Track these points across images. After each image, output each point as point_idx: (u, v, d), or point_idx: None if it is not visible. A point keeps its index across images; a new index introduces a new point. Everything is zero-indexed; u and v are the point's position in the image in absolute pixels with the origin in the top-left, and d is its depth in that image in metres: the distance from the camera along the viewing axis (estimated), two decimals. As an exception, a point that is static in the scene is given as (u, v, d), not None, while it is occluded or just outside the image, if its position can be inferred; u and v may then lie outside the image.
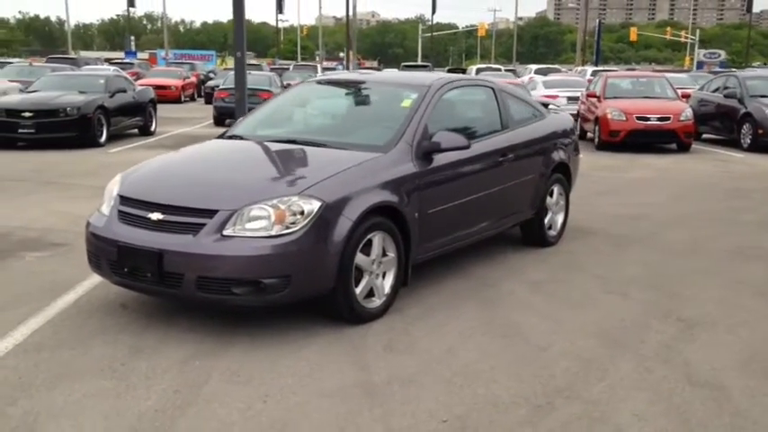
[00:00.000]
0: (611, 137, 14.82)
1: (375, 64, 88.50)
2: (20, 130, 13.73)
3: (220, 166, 5.06)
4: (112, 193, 4.78)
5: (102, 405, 3.52)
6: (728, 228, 7.87)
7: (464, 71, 38.18)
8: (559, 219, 6.98)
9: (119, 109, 15.31)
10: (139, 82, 26.41)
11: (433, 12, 54.72)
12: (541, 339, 4.53)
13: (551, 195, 6.78)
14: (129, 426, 3.33)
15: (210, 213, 4.28)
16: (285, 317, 4.69)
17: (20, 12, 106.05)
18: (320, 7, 77.03)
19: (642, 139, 14.77)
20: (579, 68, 42.09)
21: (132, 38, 67.85)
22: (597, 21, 72.68)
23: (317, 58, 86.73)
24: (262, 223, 4.24)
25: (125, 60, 38.33)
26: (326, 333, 4.51)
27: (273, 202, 4.30)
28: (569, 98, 19.92)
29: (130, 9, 62.58)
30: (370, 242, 4.66)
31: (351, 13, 51.92)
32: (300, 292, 4.35)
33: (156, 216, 4.38)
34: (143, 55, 75.51)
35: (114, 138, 15.16)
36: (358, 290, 4.60)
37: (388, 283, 4.87)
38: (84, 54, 71.77)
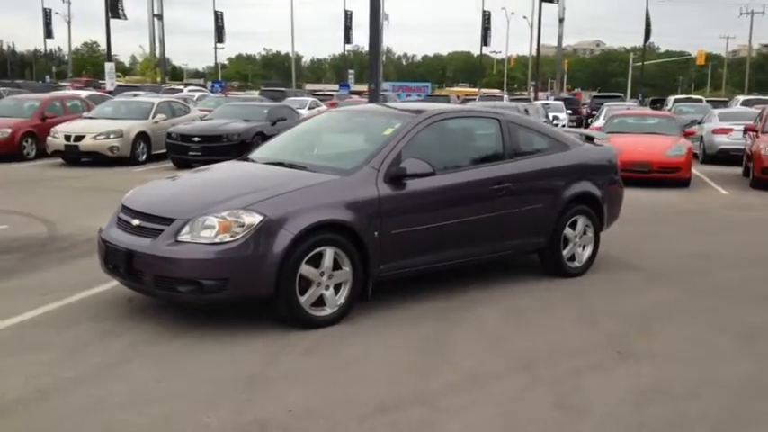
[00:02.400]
0: (764, 174, 13.82)
1: (594, 94, 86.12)
2: (189, 153, 15.66)
3: (206, 182, 5.85)
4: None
5: (30, 371, 4.36)
6: (797, 273, 7.33)
7: (662, 102, 36.51)
8: (584, 251, 6.98)
9: (279, 136, 16.84)
10: (332, 112, 28.41)
11: (646, 39, 52.95)
12: (455, 357, 4.79)
13: (573, 227, 6.82)
14: (36, 387, 4.14)
15: (169, 221, 5.06)
16: (249, 319, 5.30)
17: (264, 49, 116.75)
18: (531, 38, 76.44)
19: (799, 178, 13.61)
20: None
21: (352, 71, 72.24)
22: None
23: (533, 89, 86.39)
24: (209, 232, 4.94)
25: (325, 92, 41.06)
26: (271, 334, 5.08)
27: (223, 214, 4.98)
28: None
29: (353, 45, 66.50)
30: (321, 255, 5.18)
31: (562, 44, 51.49)
32: (239, 295, 4.99)
33: (135, 222, 5.25)
34: (362, 87, 79.73)
35: (275, 162, 16.69)
36: (303, 298, 5.13)
37: (343, 295, 5.34)
38: (308, 87, 77.46)
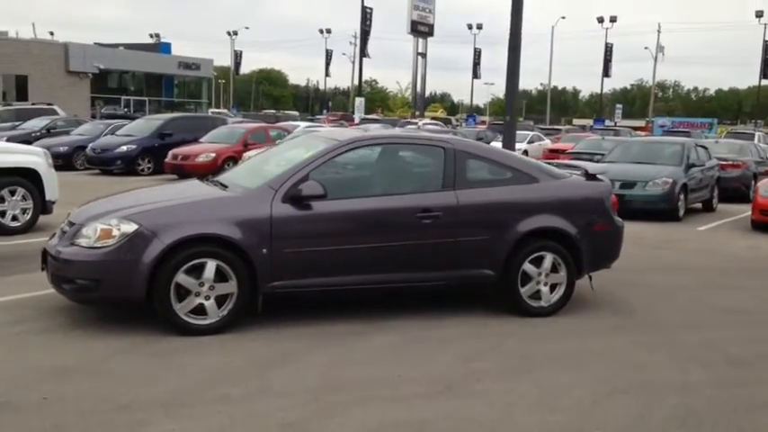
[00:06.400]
0: None
1: None
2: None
3: (135, 194, 6.42)
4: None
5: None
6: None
7: None
8: (553, 290, 6.46)
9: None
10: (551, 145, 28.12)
11: None
12: (270, 376, 4.85)
13: (537, 264, 6.36)
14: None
15: (72, 226, 5.73)
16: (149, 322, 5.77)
17: (541, 84, 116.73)
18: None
19: None
20: None
21: (620, 105, 69.71)
22: None
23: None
24: (93, 237, 5.52)
25: (555, 127, 40.05)
26: (144, 335, 5.49)
27: (111, 222, 5.53)
28: None
29: (637, 78, 64.21)
30: (203, 266, 5.51)
31: None
32: (111, 296, 5.52)
33: (63, 226, 6.01)
34: (636, 122, 76.47)
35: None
36: (179, 305, 5.49)
37: (227, 307, 5.61)
38: (577, 122, 76.16)
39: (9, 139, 19.53)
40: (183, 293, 5.51)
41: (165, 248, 5.40)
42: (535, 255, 6.37)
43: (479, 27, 66.14)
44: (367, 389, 4.65)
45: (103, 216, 5.66)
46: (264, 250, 5.63)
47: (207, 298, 5.56)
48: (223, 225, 5.57)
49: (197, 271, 5.51)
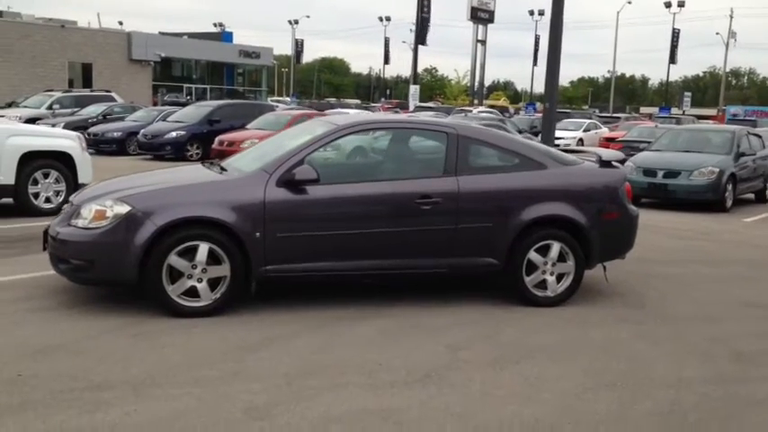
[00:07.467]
0: None
1: None
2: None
3: (143, 178, 6.41)
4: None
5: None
6: None
7: None
8: (562, 281, 6.26)
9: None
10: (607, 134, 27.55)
11: None
12: (248, 357, 4.83)
13: (543, 253, 6.17)
14: None
15: (73, 206, 5.81)
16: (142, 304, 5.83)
17: (608, 71, 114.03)
18: None
19: None
20: None
21: (689, 93, 67.64)
22: None
23: None
24: (87, 217, 5.57)
25: (615, 115, 39.08)
26: (133, 315, 5.52)
27: (107, 203, 5.57)
28: None
29: (710, 65, 61.96)
30: (196, 249, 5.51)
31: None
32: (104, 277, 5.56)
33: (66, 207, 6.09)
34: (708, 111, 74.19)
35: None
36: (171, 287, 5.51)
37: (220, 290, 5.60)
38: (645, 110, 74.47)
39: (66, 125, 20.27)
40: (175, 275, 5.51)
41: (156, 230, 5.41)
42: (541, 243, 6.18)
43: (541, 13, 64.87)
44: (344, 375, 4.58)
45: (100, 197, 5.72)
46: (258, 234, 5.59)
47: (200, 280, 5.56)
48: (216, 208, 5.55)
49: (190, 253, 5.51)
